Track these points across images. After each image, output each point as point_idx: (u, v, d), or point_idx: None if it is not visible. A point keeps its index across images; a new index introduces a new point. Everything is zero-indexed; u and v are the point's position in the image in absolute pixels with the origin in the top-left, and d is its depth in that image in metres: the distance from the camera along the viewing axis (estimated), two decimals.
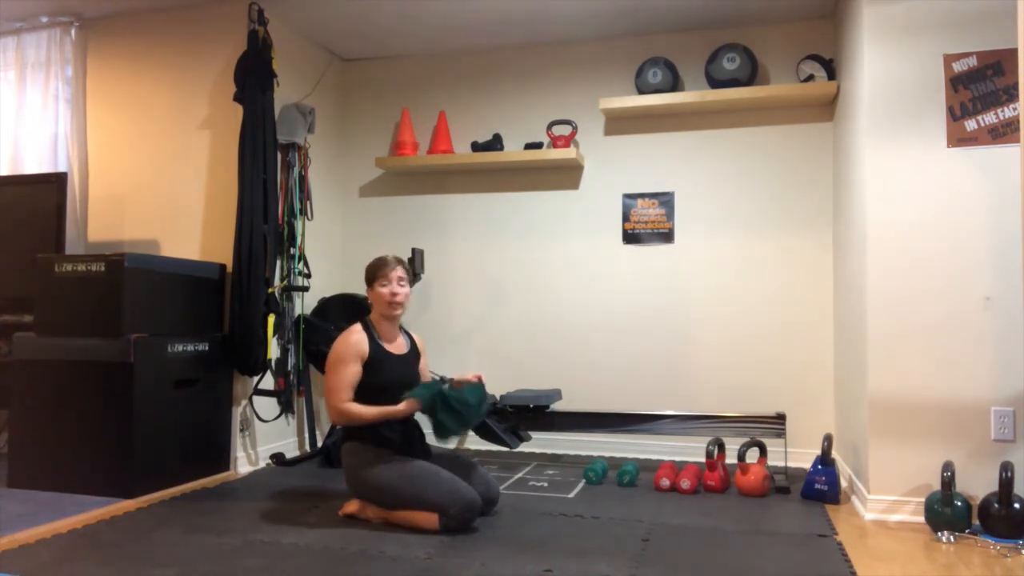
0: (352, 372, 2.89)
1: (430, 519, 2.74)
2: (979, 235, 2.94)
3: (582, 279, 4.33)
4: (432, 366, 4.47)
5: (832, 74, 3.85)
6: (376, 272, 3.01)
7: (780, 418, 3.63)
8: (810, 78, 3.87)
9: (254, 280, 3.64)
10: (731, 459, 3.82)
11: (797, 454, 3.87)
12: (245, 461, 3.82)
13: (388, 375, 2.96)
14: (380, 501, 2.85)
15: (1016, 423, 2.88)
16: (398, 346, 3.08)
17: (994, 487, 2.79)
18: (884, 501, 2.99)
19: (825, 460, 3.26)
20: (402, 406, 2.85)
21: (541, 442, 4.26)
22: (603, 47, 4.35)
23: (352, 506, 2.94)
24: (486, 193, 4.51)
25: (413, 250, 4.20)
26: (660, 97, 4.02)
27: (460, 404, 2.82)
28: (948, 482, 2.75)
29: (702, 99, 3.96)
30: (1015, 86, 2.89)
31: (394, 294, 2.98)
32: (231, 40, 3.88)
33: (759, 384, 4.03)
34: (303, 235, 4.14)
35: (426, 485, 2.77)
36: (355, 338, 2.95)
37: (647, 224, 4.23)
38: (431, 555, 2.50)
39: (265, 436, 3.97)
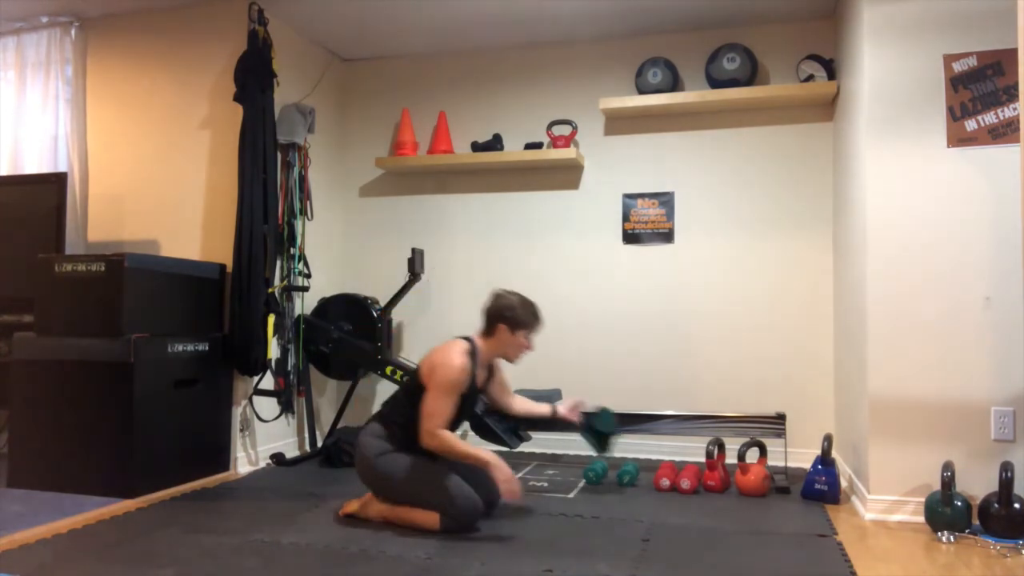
0: (454, 404, 2.81)
1: (431, 518, 2.74)
2: (979, 235, 2.94)
3: (582, 279, 4.33)
4: None
5: (832, 74, 3.85)
6: (530, 324, 2.94)
7: (780, 418, 3.63)
8: (810, 78, 3.87)
9: (254, 280, 3.64)
10: (731, 459, 3.82)
11: (797, 454, 3.87)
12: (245, 461, 3.82)
13: (465, 411, 2.94)
14: (385, 491, 2.85)
15: (1016, 423, 2.88)
16: (480, 377, 3.03)
17: (994, 487, 2.79)
18: (884, 501, 2.99)
19: (825, 460, 3.26)
20: (492, 458, 2.74)
21: (541, 442, 4.26)
22: (603, 47, 4.35)
23: (352, 505, 2.95)
24: (486, 193, 4.51)
25: (413, 250, 4.20)
26: (660, 97, 4.03)
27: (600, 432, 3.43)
28: (948, 482, 2.75)
29: (702, 99, 3.96)
30: (1015, 86, 2.89)
31: (530, 350, 3.00)
32: (231, 40, 3.88)
33: (759, 384, 4.03)
34: (303, 235, 4.14)
35: (433, 482, 2.77)
36: (465, 365, 2.82)
37: (647, 224, 4.24)
38: (431, 555, 2.50)
39: (265, 436, 3.97)
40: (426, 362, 2.88)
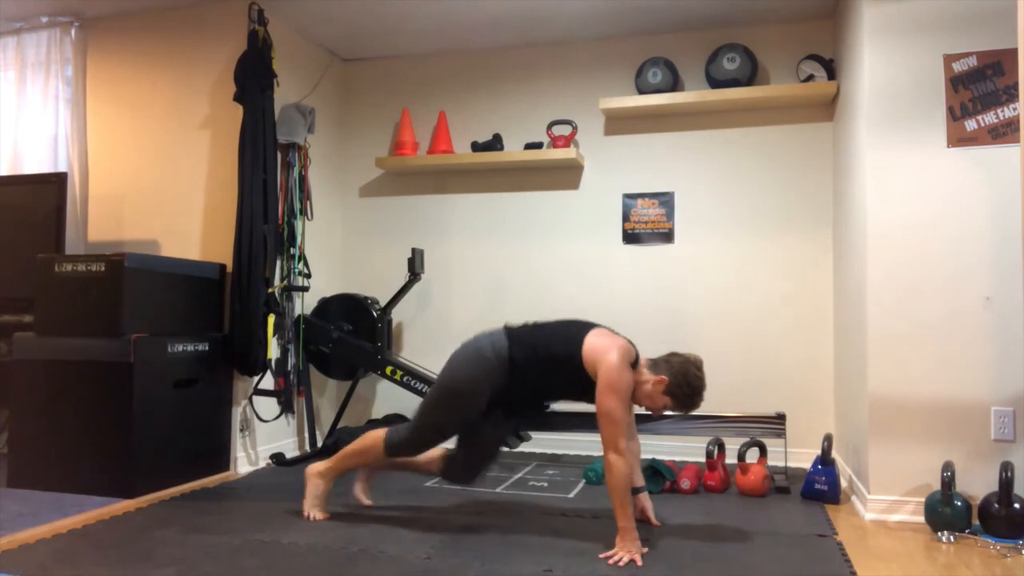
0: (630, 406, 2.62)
1: (376, 440, 2.82)
2: (979, 235, 2.94)
3: (582, 279, 4.33)
4: (432, 366, 4.48)
5: (832, 74, 3.85)
6: (679, 400, 2.67)
7: (780, 418, 3.63)
8: (810, 78, 3.87)
9: (254, 280, 3.64)
10: (731, 459, 3.82)
11: (797, 454, 3.87)
12: (245, 461, 3.83)
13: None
14: (437, 385, 2.77)
15: (1016, 423, 2.88)
16: None
17: (994, 487, 2.79)
18: (884, 501, 2.99)
19: (825, 460, 3.26)
20: (629, 524, 2.52)
21: (541, 442, 4.26)
22: (603, 47, 4.35)
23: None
24: (486, 193, 4.51)
25: (413, 250, 4.20)
26: (660, 97, 4.03)
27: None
28: (948, 482, 2.75)
29: (702, 99, 3.96)
30: (1015, 86, 2.89)
31: (661, 415, 2.81)
32: (231, 40, 3.89)
33: (759, 384, 4.03)
34: (303, 235, 4.14)
35: (443, 416, 2.74)
36: (625, 369, 2.59)
37: (647, 224, 4.24)
38: (431, 555, 2.50)
39: (265, 436, 3.97)
40: (588, 350, 2.64)
